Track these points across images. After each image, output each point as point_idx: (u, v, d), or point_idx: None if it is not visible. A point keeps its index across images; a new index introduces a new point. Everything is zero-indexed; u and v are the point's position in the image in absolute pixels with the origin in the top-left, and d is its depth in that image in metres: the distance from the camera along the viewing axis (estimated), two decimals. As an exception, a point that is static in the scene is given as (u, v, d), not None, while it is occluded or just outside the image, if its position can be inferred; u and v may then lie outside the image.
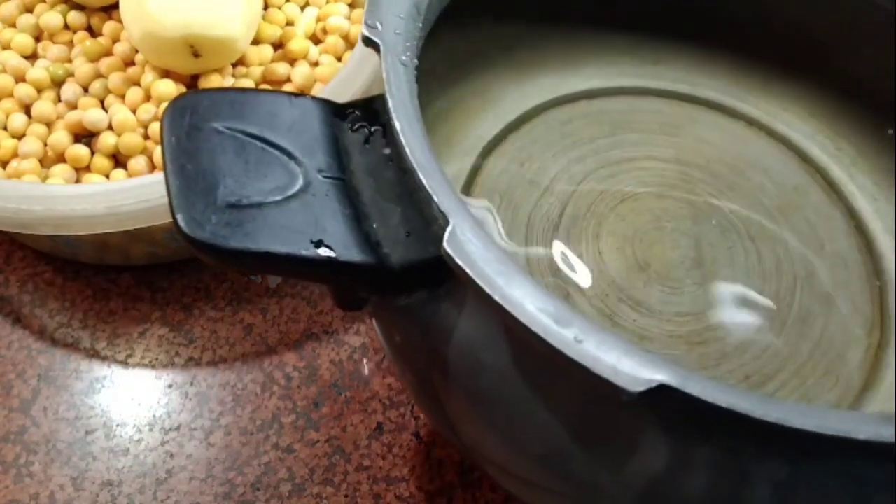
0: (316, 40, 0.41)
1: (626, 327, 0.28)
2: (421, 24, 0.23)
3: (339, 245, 0.20)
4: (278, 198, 0.20)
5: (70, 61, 0.38)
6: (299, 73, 0.38)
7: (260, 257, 0.19)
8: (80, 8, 0.37)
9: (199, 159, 0.19)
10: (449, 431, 0.24)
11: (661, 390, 0.17)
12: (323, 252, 0.19)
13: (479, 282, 0.18)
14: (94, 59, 0.37)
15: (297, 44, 0.39)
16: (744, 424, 0.17)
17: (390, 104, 0.20)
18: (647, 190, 0.31)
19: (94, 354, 0.34)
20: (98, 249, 0.34)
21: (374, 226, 0.21)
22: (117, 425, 0.32)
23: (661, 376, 0.17)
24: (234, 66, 0.38)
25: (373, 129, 0.22)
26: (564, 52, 0.33)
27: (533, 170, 0.31)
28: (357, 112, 0.22)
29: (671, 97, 0.33)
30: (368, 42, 0.21)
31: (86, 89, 0.37)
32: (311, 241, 0.19)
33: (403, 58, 0.21)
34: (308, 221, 0.20)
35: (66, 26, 0.38)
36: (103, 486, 0.31)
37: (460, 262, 0.18)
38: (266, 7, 0.39)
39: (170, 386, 0.33)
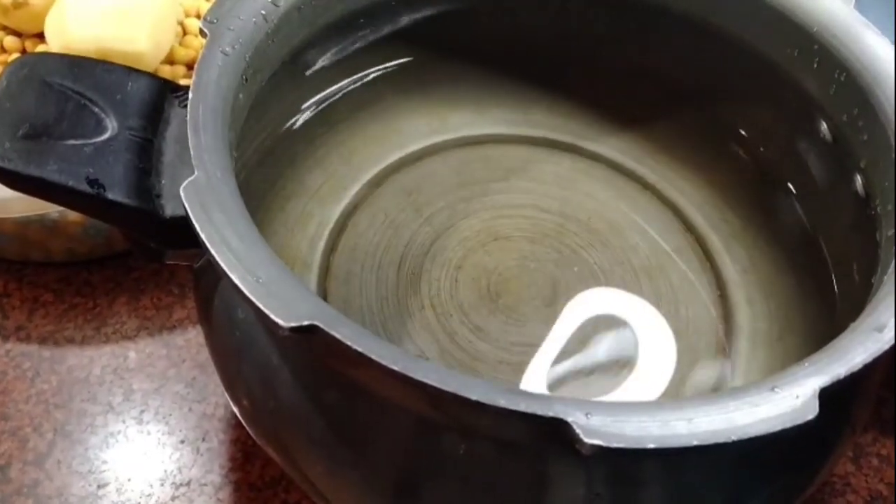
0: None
1: (461, 346, 0.29)
2: (270, 30, 0.26)
3: (114, 187, 0.22)
4: (78, 142, 0.23)
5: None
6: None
7: (33, 181, 0.22)
8: (17, 34, 0.41)
9: (19, 101, 0.23)
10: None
11: (312, 329, 0.18)
12: (93, 189, 0.22)
13: (191, 216, 0.20)
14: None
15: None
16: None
17: (193, 79, 0.23)
18: (521, 234, 0.32)
19: (109, 409, 0.34)
20: (20, 243, 0.37)
21: (163, 182, 0.23)
22: (129, 480, 0.33)
23: (315, 320, 0.18)
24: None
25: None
26: (478, 95, 0.35)
27: (420, 201, 0.32)
28: (188, 93, 0.25)
29: (574, 151, 0.34)
30: (202, 33, 0.25)
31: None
32: (88, 179, 0.22)
33: (227, 48, 0.24)
34: (97, 164, 0.22)
35: (4, 49, 0.40)
36: (112, 540, 0.31)
37: (185, 201, 0.20)
38: (184, 34, 0.41)
39: (182, 441, 0.34)
